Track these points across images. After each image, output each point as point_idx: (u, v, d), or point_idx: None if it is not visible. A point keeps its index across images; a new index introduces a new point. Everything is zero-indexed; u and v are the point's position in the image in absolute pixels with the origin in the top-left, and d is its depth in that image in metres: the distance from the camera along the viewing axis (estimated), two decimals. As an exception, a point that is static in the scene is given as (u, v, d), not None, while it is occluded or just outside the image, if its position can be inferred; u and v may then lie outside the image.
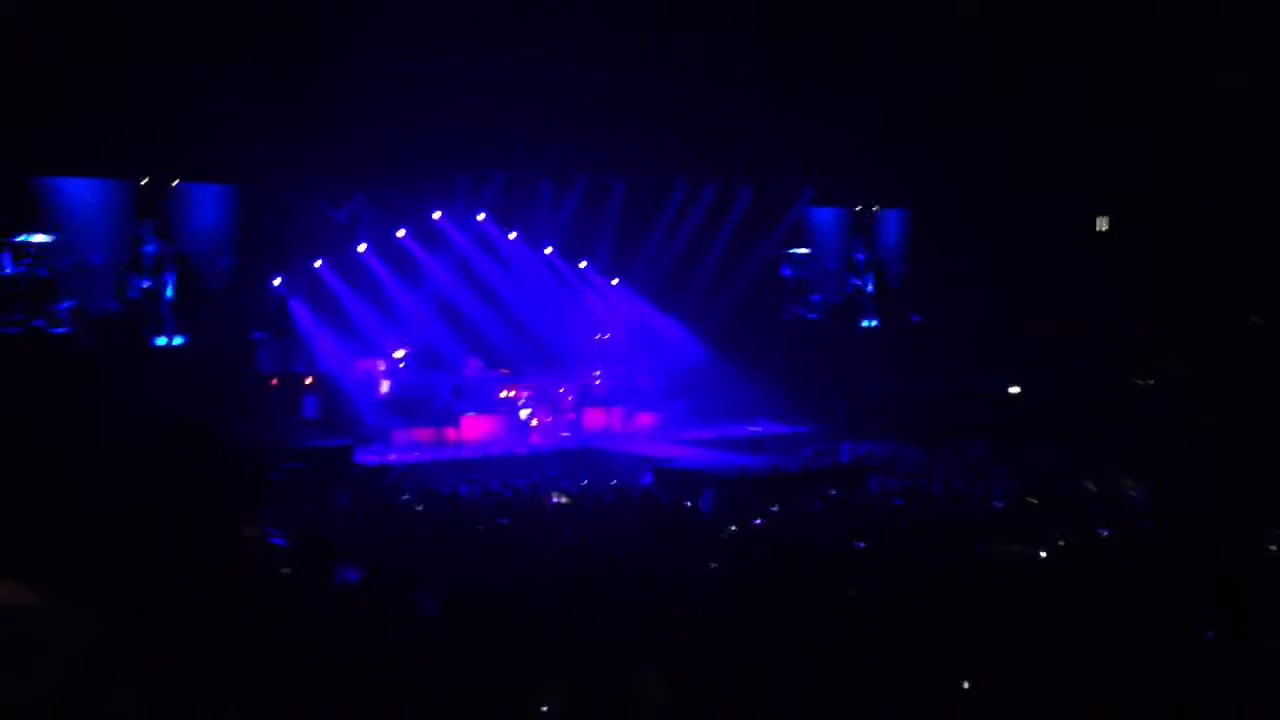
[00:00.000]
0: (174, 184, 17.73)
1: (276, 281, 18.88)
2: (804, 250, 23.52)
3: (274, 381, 18.57)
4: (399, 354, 20.08)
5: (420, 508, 12.57)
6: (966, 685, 5.73)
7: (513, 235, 21.94)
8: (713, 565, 8.31)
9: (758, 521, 11.28)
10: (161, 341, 17.35)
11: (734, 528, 10.78)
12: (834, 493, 13.67)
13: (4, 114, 14.40)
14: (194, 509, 4.33)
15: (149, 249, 17.72)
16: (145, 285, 17.65)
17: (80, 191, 17.25)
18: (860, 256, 23.82)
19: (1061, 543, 9.32)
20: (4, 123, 14.49)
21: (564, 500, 13.10)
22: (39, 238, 16.64)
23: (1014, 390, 20.82)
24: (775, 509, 11.95)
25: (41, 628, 3.38)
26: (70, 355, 16.13)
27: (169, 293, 17.80)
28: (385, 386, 19.40)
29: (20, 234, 16.53)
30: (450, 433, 18.83)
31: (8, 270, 16.45)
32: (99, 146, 16.08)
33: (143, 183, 17.43)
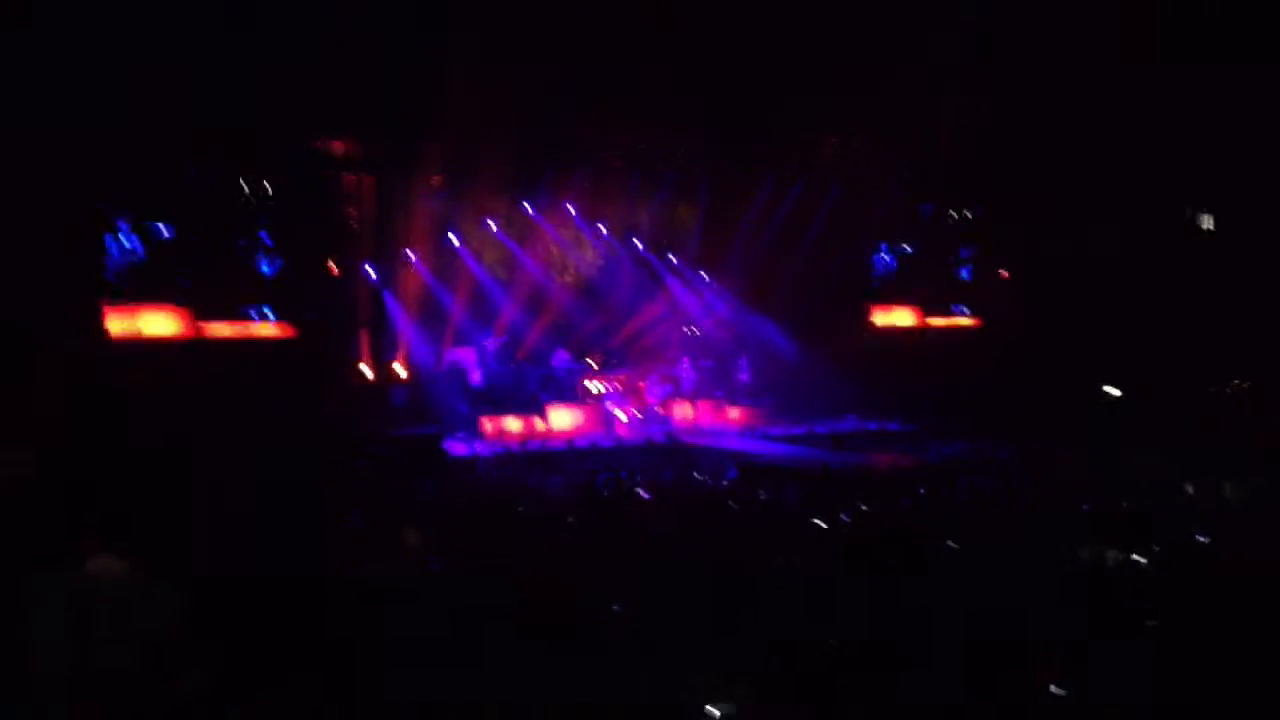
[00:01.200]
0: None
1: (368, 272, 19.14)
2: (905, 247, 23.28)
3: (368, 370, 18.89)
4: (488, 344, 20.33)
5: (504, 499, 12.64)
6: (1054, 690, 5.62)
7: (601, 227, 22.07)
8: (790, 560, 8.24)
9: (844, 518, 11.17)
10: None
11: (820, 524, 10.68)
12: (923, 491, 13.48)
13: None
14: (285, 492, 4.38)
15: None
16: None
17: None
18: (961, 254, 23.51)
19: (1157, 548, 9.08)
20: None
21: (648, 494, 13.08)
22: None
23: (1113, 391, 20.36)
24: (863, 506, 11.80)
25: (130, 599, 3.45)
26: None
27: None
28: (475, 377, 19.64)
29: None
30: (537, 423, 18.97)
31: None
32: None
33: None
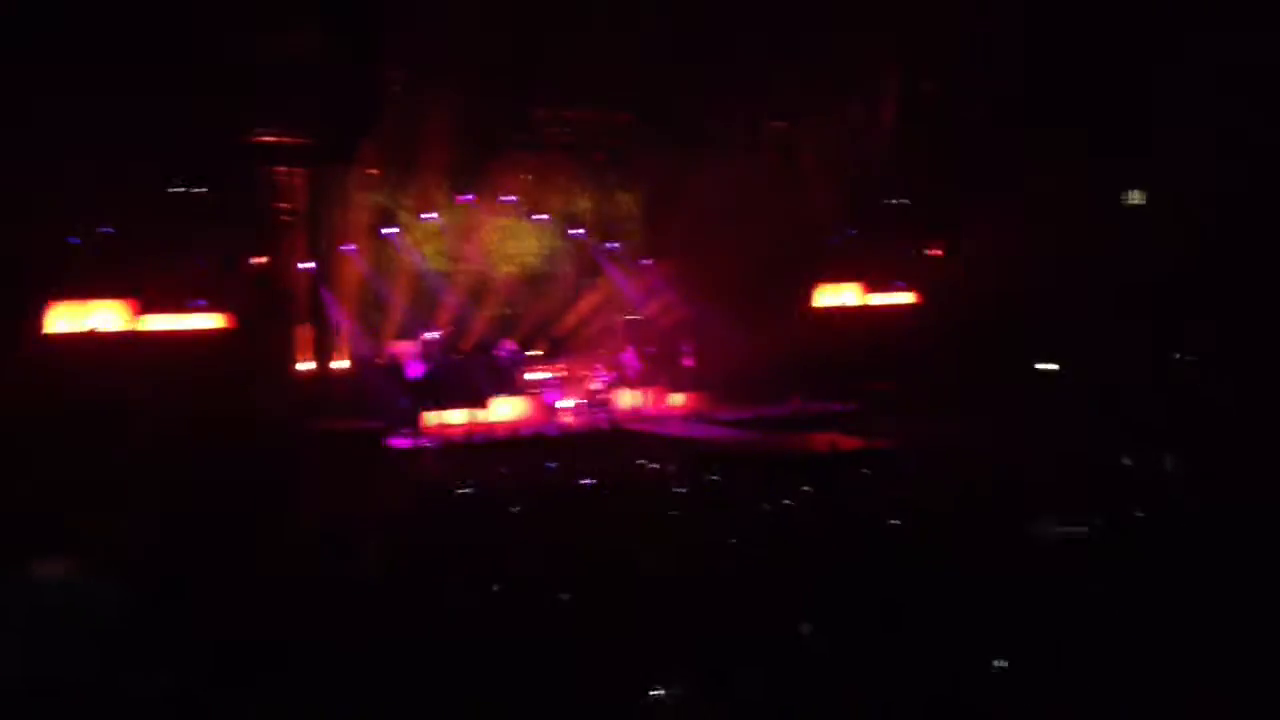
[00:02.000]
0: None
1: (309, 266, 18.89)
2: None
3: (309, 364, 18.69)
4: (429, 336, 20.18)
5: (450, 491, 12.56)
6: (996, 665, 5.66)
7: (542, 216, 21.99)
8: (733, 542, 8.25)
9: (786, 501, 11.22)
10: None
11: (766, 507, 10.72)
12: (866, 471, 13.56)
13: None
14: (227, 488, 4.29)
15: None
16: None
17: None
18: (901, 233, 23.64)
19: (1097, 521, 9.19)
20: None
21: (592, 483, 13.05)
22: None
23: (1047, 367, 20.60)
24: (807, 489, 11.85)
25: (77, 598, 3.38)
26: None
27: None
28: (416, 369, 19.48)
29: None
30: (480, 415, 18.87)
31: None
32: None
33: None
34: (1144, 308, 20.18)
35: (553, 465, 14.41)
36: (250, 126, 17.49)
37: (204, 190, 17.42)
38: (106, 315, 16.42)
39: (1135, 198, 22.29)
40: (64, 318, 16.15)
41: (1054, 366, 20.58)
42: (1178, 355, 19.84)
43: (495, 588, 6.80)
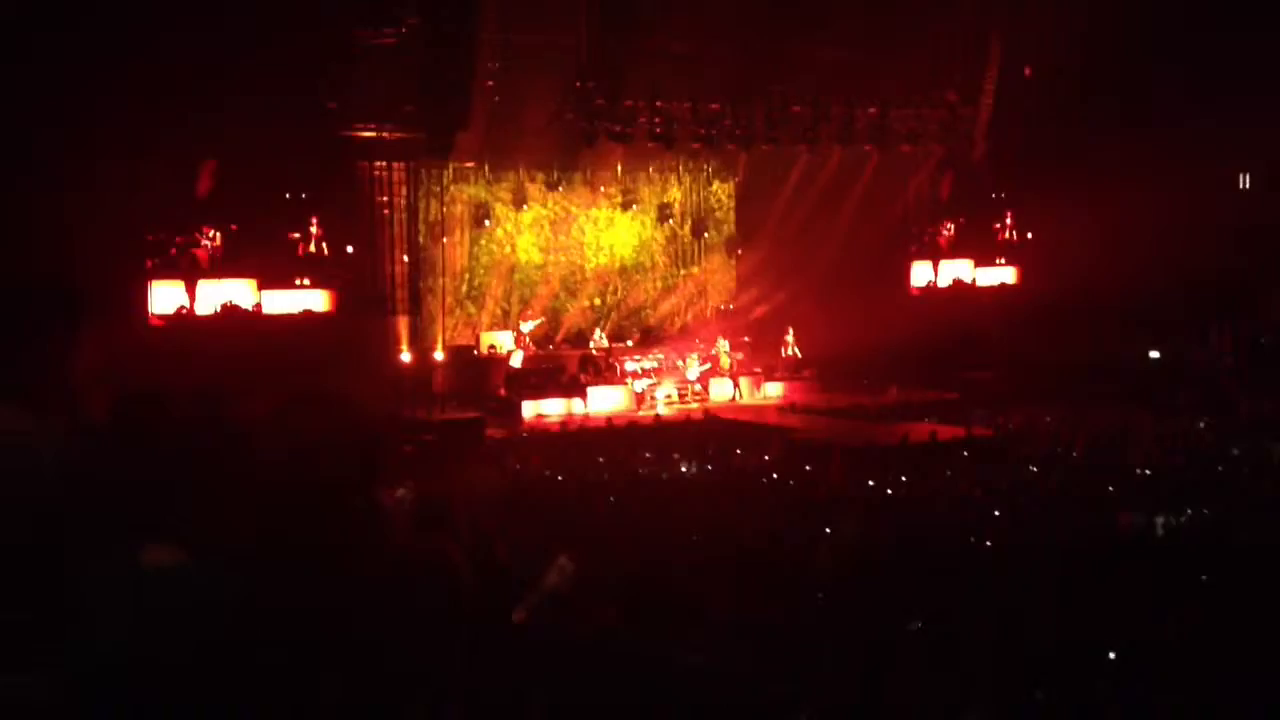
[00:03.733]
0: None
1: (406, 259, 19.19)
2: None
3: (407, 355, 19.00)
4: (527, 326, 20.39)
5: (547, 479, 12.71)
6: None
7: (635, 207, 22.09)
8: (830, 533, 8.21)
9: (889, 490, 11.15)
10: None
11: (860, 496, 10.67)
12: (966, 456, 13.45)
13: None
14: (315, 480, 4.38)
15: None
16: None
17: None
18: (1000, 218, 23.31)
19: (1206, 511, 9.00)
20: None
21: (690, 472, 13.12)
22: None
23: (1154, 355, 20.15)
24: (904, 478, 11.77)
25: (180, 587, 3.46)
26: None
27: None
28: (516, 359, 19.69)
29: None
30: (577, 404, 19.00)
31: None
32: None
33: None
34: (1240, 294, 19.68)
35: (648, 455, 14.49)
36: (350, 122, 17.82)
37: (306, 185, 17.86)
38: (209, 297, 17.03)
39: (1243, 180, 21.70)
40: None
41: (1156, 354, 20.13)
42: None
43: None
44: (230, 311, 17.08)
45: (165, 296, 16.92)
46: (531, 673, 4.99)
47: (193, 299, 16.98)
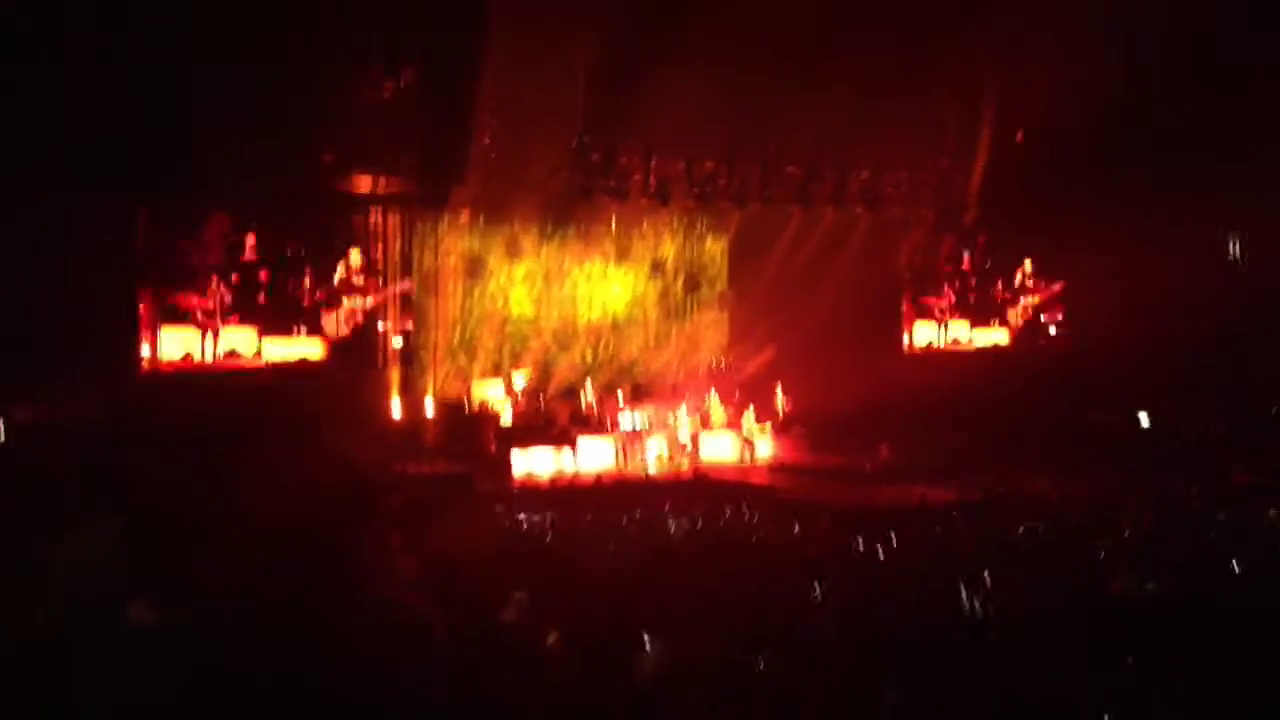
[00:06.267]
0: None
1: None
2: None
3: (397, 407, 18.98)
4: (518, 380, 20.38)
5: (535, 534, 12.63)
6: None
7: (628, 262, 22.20)
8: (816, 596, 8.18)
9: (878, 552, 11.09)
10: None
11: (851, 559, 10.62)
12: (955, 517, 13.40)
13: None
14: (306, 532, 4.35)
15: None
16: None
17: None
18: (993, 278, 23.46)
19: (1197, 577, 8.97)
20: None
21: (679, 531, 13.03)
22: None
23: (1144, 420, 20.16)
24: (893, 540, 11.71)
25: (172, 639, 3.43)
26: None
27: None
28: (505, 414, 19.62)
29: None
30: (566, 458, 18.92)
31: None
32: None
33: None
34: (1233, 359, 19.75)
35: (636, 512, 14.41)
36: (345, 173, 17.92)
37: (298, 236, 17.94)
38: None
39: (1234, 246, 21.88)
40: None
41: (1146, 419, 20.15)
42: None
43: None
44: (231, 359, 17.10)
45: (171, 343, 16.94)
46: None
47: (202, 345, 16.97)
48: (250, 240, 17.53)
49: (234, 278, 17.45)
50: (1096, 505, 13.93)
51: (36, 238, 14.11)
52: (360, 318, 18.60)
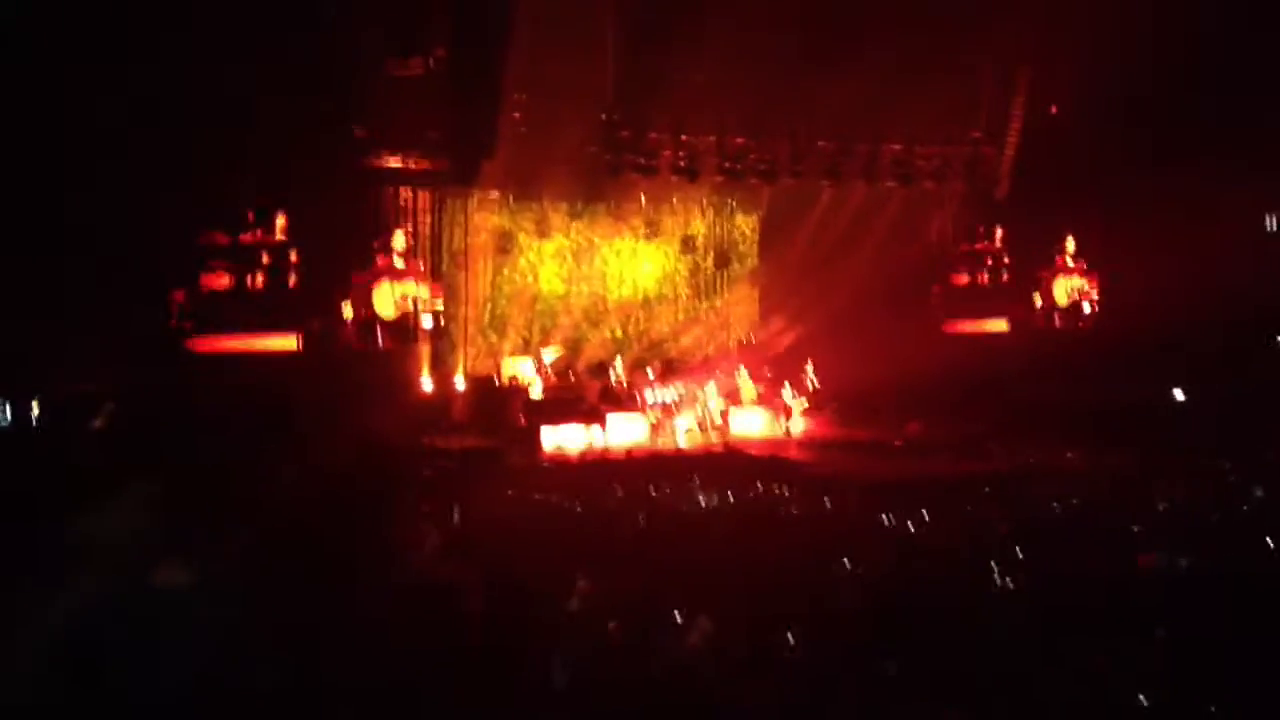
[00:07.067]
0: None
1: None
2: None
3: (428, 382, 19.08)
4: (548, 356, 20.44)
5: (565, 508, 12.67)
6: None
7: (658, 239, 22.18)
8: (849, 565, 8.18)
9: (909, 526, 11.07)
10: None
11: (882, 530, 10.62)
12: (987, 492, 13.36)
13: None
14: (338, 503, 4.38)
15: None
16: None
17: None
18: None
19: (1230, 553, 8.91)
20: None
21: (710, 504, 13.05)
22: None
23: (1179, 396, 19.98)
24: (924, 514, 11.69)
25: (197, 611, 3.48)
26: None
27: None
28: (535, 387, 19.70)
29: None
30: (596, 434, 18.96)
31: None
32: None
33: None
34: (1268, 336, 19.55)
35: (667, 488, 14.43)
36: (378, 150, 17.97)
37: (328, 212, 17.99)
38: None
39: (1272, 222, 21.61)
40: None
41: (1181, 394, 19.98)
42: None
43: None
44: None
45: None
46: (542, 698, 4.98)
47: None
48: (281, 222, 17.52)
49: (265, 259, 17.45)
50: (1129, 481, 13.85)
51: (65, 218, 14.22)
52: (400, 301, 18.62)
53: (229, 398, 15.25)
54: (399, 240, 18.54)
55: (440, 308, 19.34)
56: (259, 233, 17.36)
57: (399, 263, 18.52)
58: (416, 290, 18.52)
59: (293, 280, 17.62)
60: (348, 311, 17.95)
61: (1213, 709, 5.32)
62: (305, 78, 16.07)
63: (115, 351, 14.42)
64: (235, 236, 17.24)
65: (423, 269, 18.91)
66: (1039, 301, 22.77)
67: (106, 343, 14.26)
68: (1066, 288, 23.02)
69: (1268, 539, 9.28)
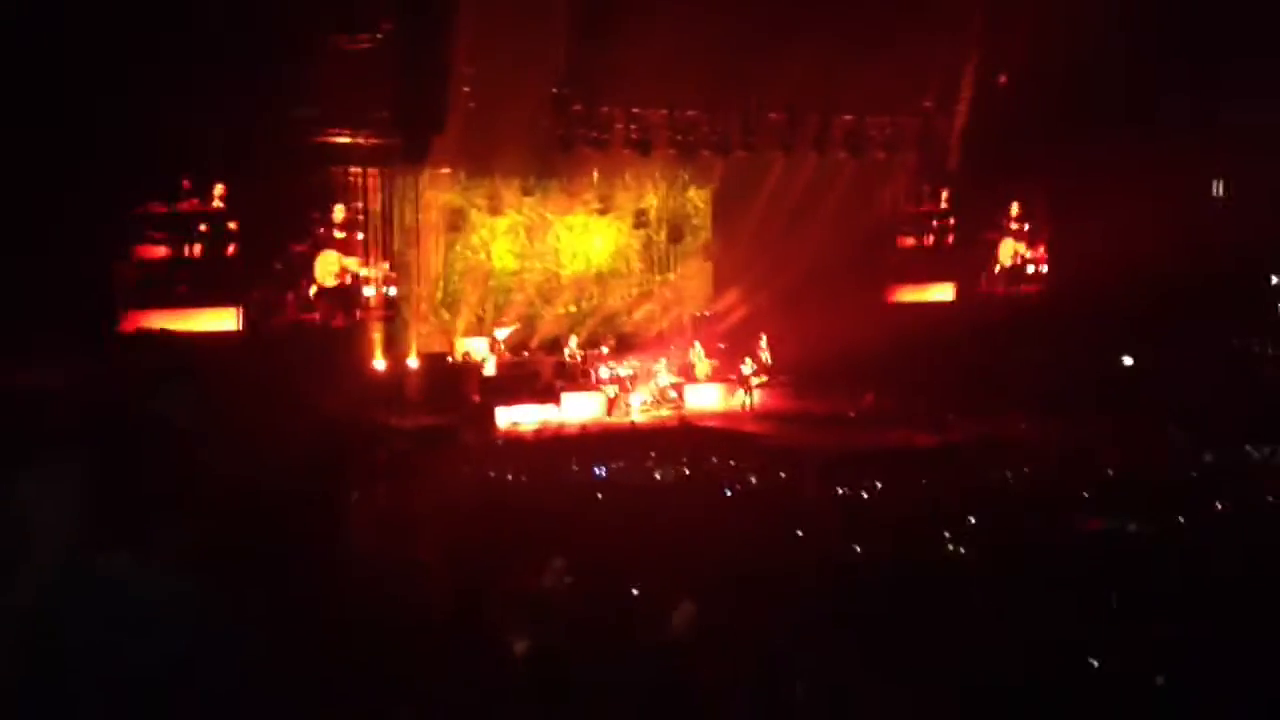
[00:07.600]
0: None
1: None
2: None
3: (380, 361, 18.94)
4: (502, 333, 20.34)
5: (522, 484, 12.65)
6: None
7: (611, 214, 22.09)
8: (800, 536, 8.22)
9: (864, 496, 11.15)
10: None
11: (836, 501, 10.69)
12: (940, 463, 13.47)
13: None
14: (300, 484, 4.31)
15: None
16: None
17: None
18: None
19: (1180, 519, 9.03)
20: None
21: (663, 478, 13.08)
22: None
23: (1127, 361, 20.22)
24: (879, 485, 11.76)
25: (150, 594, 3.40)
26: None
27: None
28: (489, 366, 19.61)
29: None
30: (551, 411, 18.93)
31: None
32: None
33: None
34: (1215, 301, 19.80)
35: (621, 463, 14.44)
36: (323, 127, 17.74)
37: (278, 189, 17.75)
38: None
39: (1218, 188, 21.87)
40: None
41: (1129, 360, 20.23)
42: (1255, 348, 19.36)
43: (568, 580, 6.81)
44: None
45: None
46: (504, 677, 4.94)
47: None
48: (219, 189, 17.25)
49: (206, 231, 17.20)
50: (1078, 448, 14.01)
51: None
52: (340, 273, 18.48)
53: (166, 379, 14.99)
54: (339, 212, 18.38)
55: (392, 289, 19.20)
56: (195, 201, 17.10)
57: (338, 234, 18.40)
58: (356, 264, 18.43)
59: (231, 249, 17.38)
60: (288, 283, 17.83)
61: (1160, 679, 5.38)
62: (250, 50, 15.80)
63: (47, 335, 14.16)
64: (173, 206, 16.98)
65: (361, 239, 18.76)
66: (986, 266, 22.97)
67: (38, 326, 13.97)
68: (1011, 250, 23.25)
69: (1216, 503, 9.43)
